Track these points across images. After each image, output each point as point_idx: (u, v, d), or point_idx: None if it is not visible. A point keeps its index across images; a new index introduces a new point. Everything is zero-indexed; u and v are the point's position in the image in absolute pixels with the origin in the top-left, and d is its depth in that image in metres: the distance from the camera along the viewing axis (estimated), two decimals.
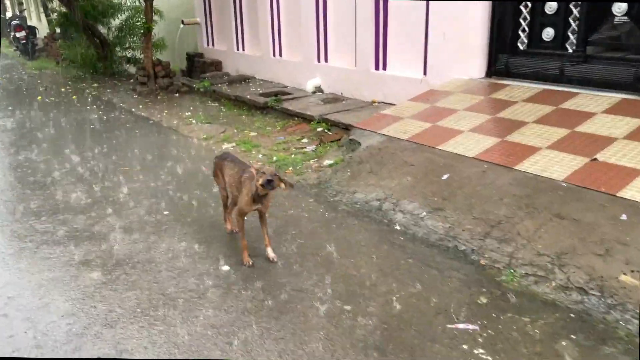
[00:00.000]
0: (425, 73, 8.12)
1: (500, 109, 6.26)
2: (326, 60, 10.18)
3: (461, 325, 3.31)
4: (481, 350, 3.12)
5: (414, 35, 8.18)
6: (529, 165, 4.97)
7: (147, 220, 5.15)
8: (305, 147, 7.50)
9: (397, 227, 4.74)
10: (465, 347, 3.15)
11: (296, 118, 8.91)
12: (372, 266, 4.13)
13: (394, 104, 8.50)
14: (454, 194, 4.89)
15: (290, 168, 6.48)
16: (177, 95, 12.02)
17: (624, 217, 4.00)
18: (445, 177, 5.20)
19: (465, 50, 7.43)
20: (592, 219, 4.07)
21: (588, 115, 5.63)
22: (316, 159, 6.70)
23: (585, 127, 5.39)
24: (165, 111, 10.38)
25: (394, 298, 3.68)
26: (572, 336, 3.21)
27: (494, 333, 3.24)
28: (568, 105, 5.98)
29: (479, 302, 3.57)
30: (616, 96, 5.87)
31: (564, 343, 3.15)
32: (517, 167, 5.00)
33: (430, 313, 3.48)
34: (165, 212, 5.35)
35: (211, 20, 13.72)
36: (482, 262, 4.05)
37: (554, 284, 3.63)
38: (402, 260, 4.19)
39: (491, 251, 4.11)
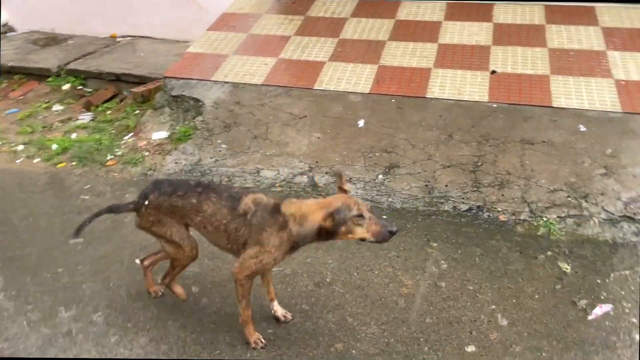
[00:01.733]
0: None
1: (337, 30, 5.38)
2: None
3: (598, 311, 2.72)
4: None
5: None
6: (440, 92, 4.43)
7: None
8: (76, 118, 5.13)
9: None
10: None
11: (14, 76, 5.97)
12: (401, 270, 3.04)
13: (151, 37, 6.61)
14: (393, 144, 4.02)
15: (110, 157, 4.27)
16: None
17: (582, 128, 3.94)
18: (361, 123, 4.22)
19: None
20: (559, 137, 3.90)
21: (434, 25, 5.32)
22: (130, 135, 4.60)
23: (448, 39, 5.09)
24: None
25: (491, 309, 2.79)
26: None
27: (629, 305, 2.78)
28: (404, 16, 5.54)
29: (566, 270, 3.02)
30: (440, 3, 5.70)
31: None
32: (429, 96, 4.41)
33: (543, 314, 2.75)
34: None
35: None
36: (502, 217, 3.45)
37: (596, 220, 3.34)
38: (426, 247, 3.22)
39: (499, 202, 3.53)
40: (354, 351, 2.53)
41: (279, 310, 2.68)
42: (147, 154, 4.26)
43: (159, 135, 4.48)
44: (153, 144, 4.39)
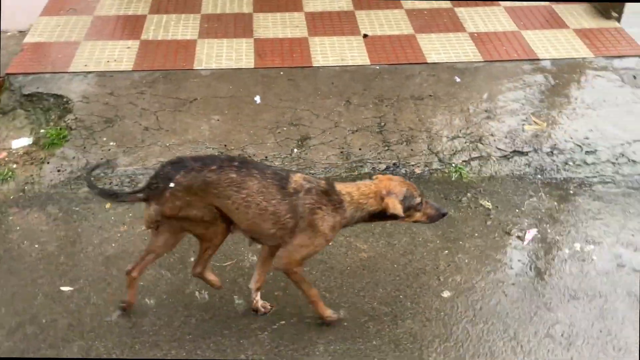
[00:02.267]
0: None
1: (196, 5, 5.07)
2: None
3: (529, 236, 3.09)
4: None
5: None
6: (324, 60, 4.49)
7: None
8: None
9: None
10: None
11: None
12: (352, 237, 3.09)
13: None
14: (297, 116, 3.99)
15: None
16: None
17: (457, 79, 4.34)
18: (258, 100, 4.09)
19: None
20: (441, 90, 4.24)
21: None
22: None
23: (312, 7, 5.12)
24: None
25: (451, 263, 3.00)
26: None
27: (548, 225, 3.20)
28: None
29: (489, 207, 3.35)
30: None
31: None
32: (315, 65, 4.44)
33: (488, 248, 3.05)
34: None
35: None
36: (417, 170, 3.68)
37: (494, 158, 3.74)
38: None
39: (411, 157, 3.75)
40: (345, 323, 2.52)
41: (260, 301, 2.54)
42: (15, 166, 3.59)
43: (21, 142, 3.79)
44: (17, 154, 3.70)
